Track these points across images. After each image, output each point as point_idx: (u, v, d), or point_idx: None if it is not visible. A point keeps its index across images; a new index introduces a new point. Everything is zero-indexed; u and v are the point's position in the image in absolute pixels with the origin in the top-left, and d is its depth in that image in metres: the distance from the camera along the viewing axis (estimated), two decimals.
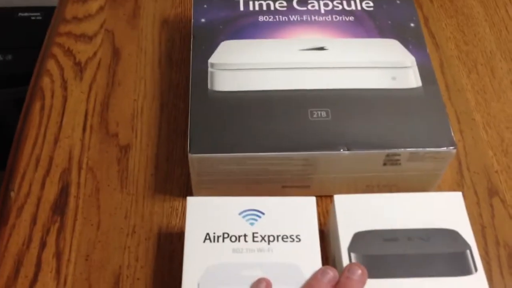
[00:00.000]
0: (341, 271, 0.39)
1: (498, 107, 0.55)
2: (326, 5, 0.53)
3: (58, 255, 0.45)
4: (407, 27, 0.52)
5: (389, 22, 0.52)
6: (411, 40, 0.51)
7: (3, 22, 0.91)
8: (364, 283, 0.38)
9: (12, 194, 0.48)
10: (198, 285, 0.38)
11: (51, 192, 0.48)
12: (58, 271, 0.44)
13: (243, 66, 0.48)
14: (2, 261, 0.44)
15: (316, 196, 0.43)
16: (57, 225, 0.46)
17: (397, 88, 0.47)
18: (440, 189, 0.49)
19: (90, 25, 0.60)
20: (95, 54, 0.58)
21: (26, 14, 0.92)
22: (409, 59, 0.49)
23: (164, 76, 0.57)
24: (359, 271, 0.38)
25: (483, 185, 0.50)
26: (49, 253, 0.45)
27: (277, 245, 0.40)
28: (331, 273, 0.38)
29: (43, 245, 0.45)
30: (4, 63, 0.89)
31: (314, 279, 0.38)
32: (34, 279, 0.44)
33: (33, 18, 0.91)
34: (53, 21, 0.61)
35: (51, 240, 0.45)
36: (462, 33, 0.62)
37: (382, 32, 0.51)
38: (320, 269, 0.39)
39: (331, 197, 0.48)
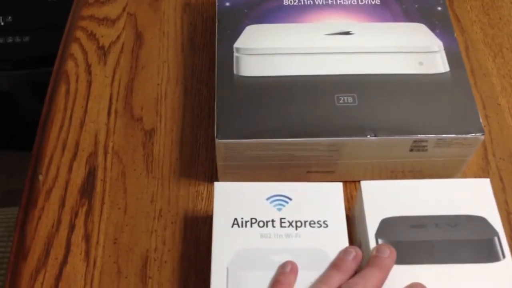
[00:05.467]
0: (368, 256, 0.39)
1: None
2: None
3: (87, 238, 0.45)
4: (434, 10, 0.51)
5: (416, 5, 0.51)
6: (438, 24, 0.50)
7: (20, 3, 0.91)
8: (393, 261, 0.38)
9: (41, 177, 0.48)
10: (227, 269, 0.39)
11: (78, 175, 0.49)
12: (87, 254, 0.45)
13: (268, 51, 0.48)
14: (32, 243, 0.45)
15: (341, 181, 0.43)
16: (85, 208, 0.47)
17: (425, 73, 0.47)
18: (465, 175, 0.49)
19: (113, 8, 0.60)
20: (118, 38, 0.58)
21: None
22: (436, 44, 0.49)
23: (187, 60, 0.56)
24: (388, 251, 0.38)
25: (508, 171, 0.50)
26: (78, 236, 0.46)
27: (304, 230, 0.40)
28: (354, 251, 0.39)
29: (72, 227, 0.46)
30: (21, 45, 0.89)
31: (339, 259, 0.39)
32: (64, 261, 0.44)
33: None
34: (75, 4, 0.61)
35: (80, 223, 0.46)
36: (488, 16, 0.61)
37: (409, 16, 0.51)
38: (343, 249, 0.39)
39: (355, 182, 0.48)
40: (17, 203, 0.49)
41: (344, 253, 0.39)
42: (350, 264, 0.38)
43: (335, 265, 0.39)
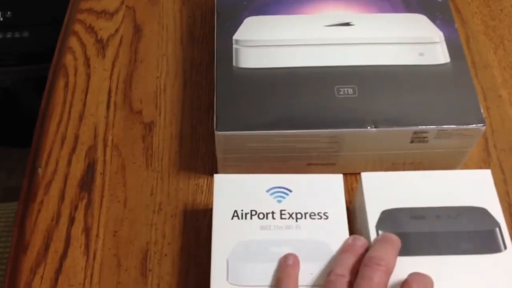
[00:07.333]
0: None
1: None
2: None
3: (86, 231, 0.45)
4: (434, 1, 0.51)
5: None
6: (439, 15, 0.50)
7: None
8: (399, 246, 0.38)
9: (40, 170, 0.48)
10: (227, 261, 0.39)
11: (77, 169, 0.48)
12: (87, 247, 0.45)
13: (268, 43, 0.48)
14: (32, 237, 0.45)
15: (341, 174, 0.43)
16: (84, 201, 0.47)
17: (425, 64, 0.47)
18: (466, 166, 0.49)
19: (111, 1, 0.60)
20: (116, 31, 0.57)
21: None
22: (437, 35, 0.48)
23: (186, 53, 0.56)
24: (393, 237, 0.38)
25: (510, 163, 0.49)
26: (77, 229, 0.45)
27: (304, 222, 0.40)
28: (363, 239, 0.39)
29: (71, 221, 0.46)
30: (20, 40, 0.89)
31: (347, 245, 0.39)
32: (64, 254, 0.44)
33: None
34: None
35: (80, 216, 0.46)
36: (488, 7, 0.60)
37: (409, 6, 0.50)
38: (350, 237, 0.39)
39: (356, 174, 0.48)
40: (17, 199, 0.49)
41: (353, 239, 0.39)
42: (360, 249, 0.38)
43: (345, 249, 0.39)
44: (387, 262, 0.36)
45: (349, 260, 0.37)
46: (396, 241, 0.38)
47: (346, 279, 0.36)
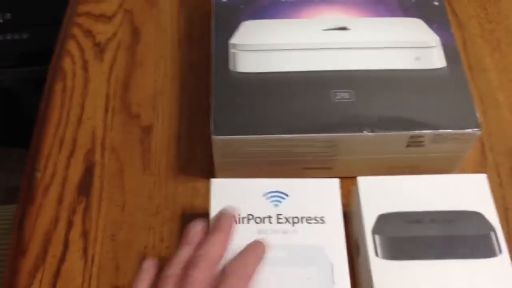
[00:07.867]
0: (365, 252, 0.39)
1: None
2: None
3: (85, 235, 0.46)
4: (431, 5, 0.51)
5: (413, 0, 0.51)
6: (435, 19, 0.50)
7: (19, 0, 0.91)
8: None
9: (38, 174, 0.48)
10: None
11: (75, 172, 0.49)
12: (85, 251, 0.45)
13: (265, 47, 0.48)
14: (30, 240, 0.45)
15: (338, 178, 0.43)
16: (83, 205, 0.47)
17: (421, 68, 0.47)
18: (462, 170, 0.49)
19: (109, 5, 0.60)
20: (114, 34, 0.57)
21: None
22: (433, 39, 0.48)
23: (184, 56, 0.56)
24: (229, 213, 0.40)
25: (506, 167, 0.50)
26: (76, 233, 0.46)
27: (301, 226, 0.40)
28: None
29: (70, 224, 0.46)
30: (20, 42, 0.89)
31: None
32: (62, 258, 0.45)
33: None
34: (72, 0, 0.61)
35: (78, 220, 0.46)
36: (485, 10, 0.60)
37: (406, 11, 0.51)
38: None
39: (352, 178, 0.48)
40: (17, 200, 0.49)
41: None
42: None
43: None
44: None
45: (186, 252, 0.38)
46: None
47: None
